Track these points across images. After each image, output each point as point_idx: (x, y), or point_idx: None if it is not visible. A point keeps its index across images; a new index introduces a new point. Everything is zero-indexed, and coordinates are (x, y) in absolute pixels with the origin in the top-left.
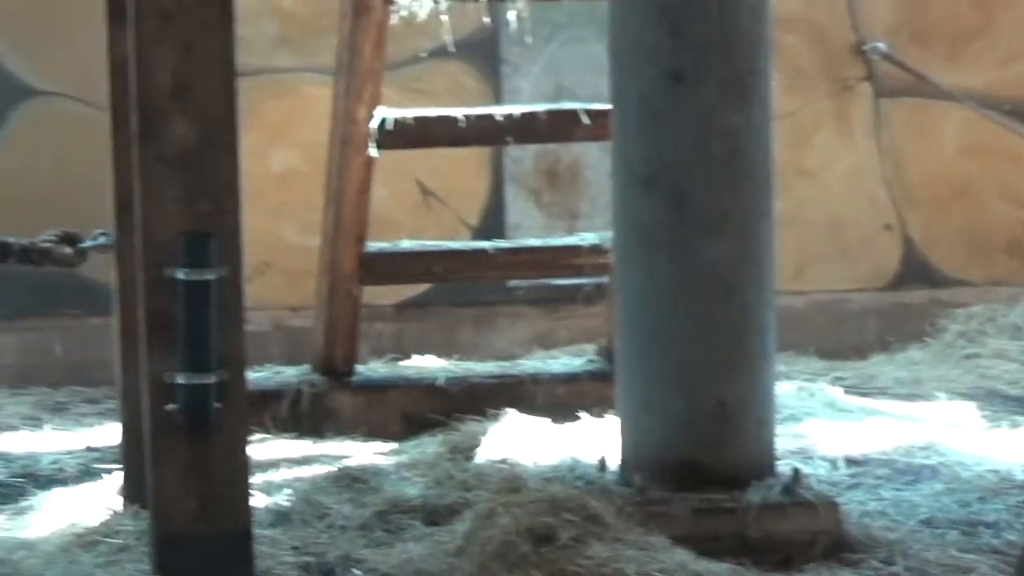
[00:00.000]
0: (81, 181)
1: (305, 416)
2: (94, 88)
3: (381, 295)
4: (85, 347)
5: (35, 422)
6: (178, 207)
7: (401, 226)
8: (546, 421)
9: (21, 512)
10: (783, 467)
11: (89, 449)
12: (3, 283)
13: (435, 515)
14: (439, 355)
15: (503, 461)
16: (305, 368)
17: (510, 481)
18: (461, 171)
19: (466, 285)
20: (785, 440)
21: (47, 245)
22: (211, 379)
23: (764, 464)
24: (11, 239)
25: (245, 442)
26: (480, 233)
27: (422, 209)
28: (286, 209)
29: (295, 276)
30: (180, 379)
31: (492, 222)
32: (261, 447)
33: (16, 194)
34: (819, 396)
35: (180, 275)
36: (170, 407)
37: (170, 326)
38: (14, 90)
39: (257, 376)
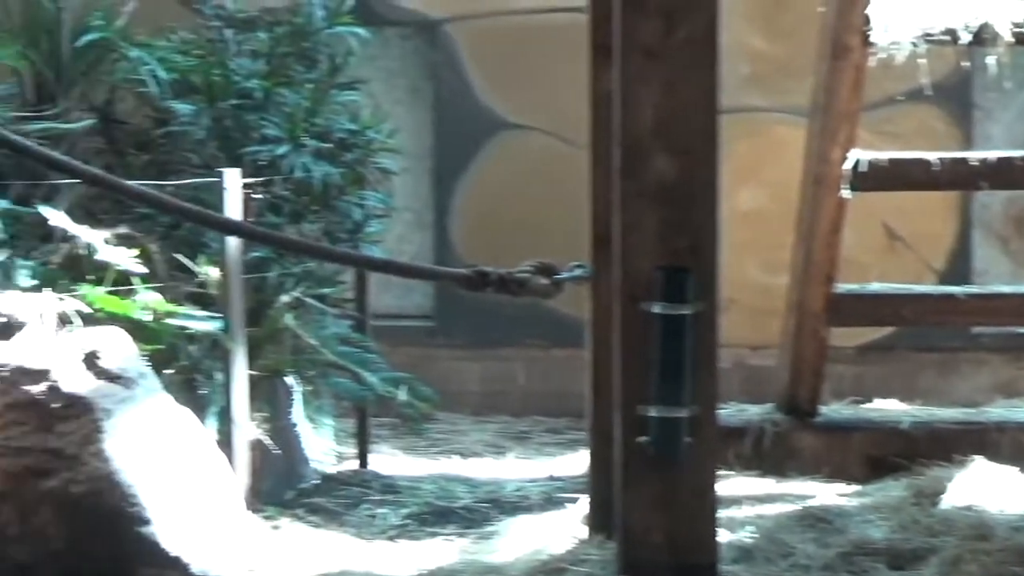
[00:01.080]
0: (550, 213)
1: (768, 454)
2: (566, 123)
3: (842, 337)
4: (548, 378)
5: (499, 450)
6: (657, 242)
7: (866, 268)
8: (1013, 470)
9: (486, 537)
10: None
11: (552, 478)
12: (472, 313)
13: (900, 559)
14: (899, 399)
15: (969, 508)
16: (768, 406)
17: (977, 529)
18: (928, 215)
19: (929, 330)
20: None
21: (524, 275)
22: (683, 413)
23: None
24: (490, 268)
25: (713, 478)
26: (945, 278)
27: (887, 251)
28: (751, 247)
29: (757, 314)
30: (653, 412)
31: (958, 267)
32: (725, 483)
33: (487, 224)
34: None
35: (656, 309)
36: (642, 439)
37: (645, 359)
38: (488, 123)
39: (721, 413)
